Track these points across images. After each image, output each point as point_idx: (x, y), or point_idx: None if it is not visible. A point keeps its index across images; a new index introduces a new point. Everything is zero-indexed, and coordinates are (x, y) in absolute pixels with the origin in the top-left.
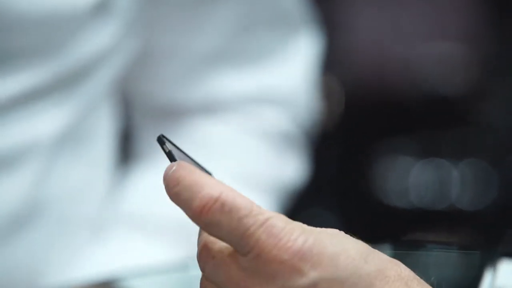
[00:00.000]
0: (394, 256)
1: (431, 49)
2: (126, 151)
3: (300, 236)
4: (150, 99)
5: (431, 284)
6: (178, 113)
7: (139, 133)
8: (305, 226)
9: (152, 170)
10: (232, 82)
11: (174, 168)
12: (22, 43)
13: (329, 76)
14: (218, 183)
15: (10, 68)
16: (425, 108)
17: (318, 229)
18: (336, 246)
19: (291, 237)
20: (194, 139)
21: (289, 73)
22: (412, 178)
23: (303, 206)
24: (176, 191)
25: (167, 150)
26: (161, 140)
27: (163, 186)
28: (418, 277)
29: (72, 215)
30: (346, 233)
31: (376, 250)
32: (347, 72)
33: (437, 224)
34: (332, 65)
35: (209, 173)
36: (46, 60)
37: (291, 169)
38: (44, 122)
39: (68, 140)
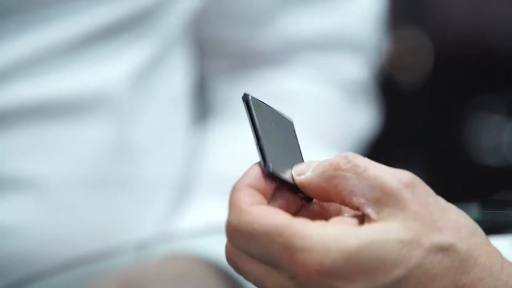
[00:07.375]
0: (482, 215)
1: None
2: (202, 101)
3: (328, 254)
4: (224, 46)
5: None
6: (251, 61)
7: (213, 84)
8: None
9: (230, 126)
10: (301, 25)
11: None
12: None
13: (420, 31)
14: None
15: (81, 5)
16: None
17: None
18: (371, 260)
19: (318, 256)
20: (267, 91)
21: (357, 14)
22: (502, 137)
23: (393, 163)
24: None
25: (252, 111)
26: (247, 99)
27: (242, 143)
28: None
29: (156, 173)
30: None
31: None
32: (440, 28)
33: None
34: (425, 20)
35: (291, 122)
36: None
37: (363, 117)
38: (119, 61)
39: (144, 81)
